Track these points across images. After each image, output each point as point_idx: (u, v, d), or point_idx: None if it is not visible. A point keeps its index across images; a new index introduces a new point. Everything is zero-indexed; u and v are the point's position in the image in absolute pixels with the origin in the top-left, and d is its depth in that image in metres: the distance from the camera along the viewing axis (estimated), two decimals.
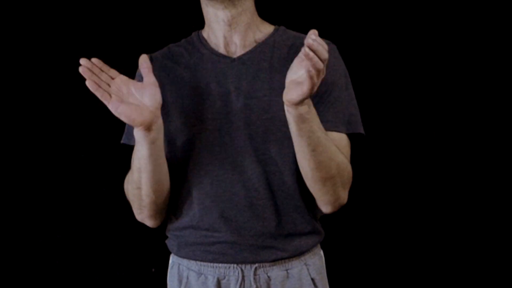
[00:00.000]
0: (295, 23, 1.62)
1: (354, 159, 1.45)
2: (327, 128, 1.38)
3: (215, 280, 1.41)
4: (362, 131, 1.46)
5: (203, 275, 1.43)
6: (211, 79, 1.43)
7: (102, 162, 2.22)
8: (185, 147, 1.43)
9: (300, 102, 1.23)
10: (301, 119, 1.27)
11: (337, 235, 2.11)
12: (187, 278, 1.45)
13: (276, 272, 1.41)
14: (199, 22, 1.53)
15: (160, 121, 1.35)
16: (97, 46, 2.20)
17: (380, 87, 2.23)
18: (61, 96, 2.21)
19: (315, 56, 1.15)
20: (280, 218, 1.40)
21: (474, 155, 2.25)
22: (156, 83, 1.34)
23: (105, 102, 1.28)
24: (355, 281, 2.24)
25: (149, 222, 1.47)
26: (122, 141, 1.54)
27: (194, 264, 1.44)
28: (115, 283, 2.25)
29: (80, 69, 1.26)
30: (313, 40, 1.15)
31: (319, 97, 1.40)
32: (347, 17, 2.23)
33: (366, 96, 1.76)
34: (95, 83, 1.27)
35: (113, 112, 1.28)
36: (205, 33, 1.50)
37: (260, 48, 1.45)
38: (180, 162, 1.43)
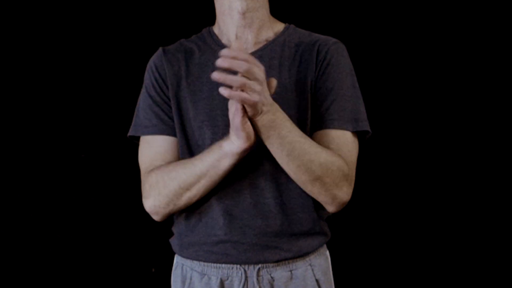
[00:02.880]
0: (304, 22, 1.61)
1: (362, 160, 1.44)
2: (331, 126, 1.38)
3: (218, 280, 1.40)
4: (368, 128, 1.44)
5: (206, 276, 1.42)
6: None
7: (103, 162, 2.22)
8: (194, 143, 1.42)
9: (255, 115, 1.24)
10: (267, 128, 1.28)
11: (345, 236, 2.10)
12: (191, 278, 1.44)
13: (279, 272, 1.40)
14: (204, 19, 1.53)
15: None
16: (100, 44, 2.20)
17: (387, 87, 2.23)
18: (61, 96, 2.21)
19: (226, 80, 1.17)
20: (286, 218, 1.39)
21: (481, 156, 2.25)
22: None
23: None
24: (362, 282, 2.24)
25: (157, 217, 1.45)
26: (129, 134, 1.52)
27: (197, 265, 1.43)
28: (115, 283, 2.24)
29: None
30: (222, 60, 1.16)
31: (325, 94, 1.40)
32: (356, 17, 2.23)
33: (373, 97, 1.76)
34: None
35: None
36: (216, 29, 1.50)
37: (271, 46, 1.45)
38: (189, 158, 1.41)
